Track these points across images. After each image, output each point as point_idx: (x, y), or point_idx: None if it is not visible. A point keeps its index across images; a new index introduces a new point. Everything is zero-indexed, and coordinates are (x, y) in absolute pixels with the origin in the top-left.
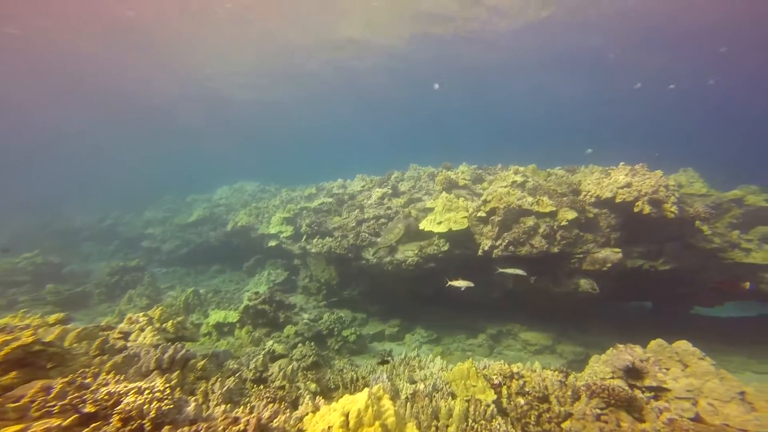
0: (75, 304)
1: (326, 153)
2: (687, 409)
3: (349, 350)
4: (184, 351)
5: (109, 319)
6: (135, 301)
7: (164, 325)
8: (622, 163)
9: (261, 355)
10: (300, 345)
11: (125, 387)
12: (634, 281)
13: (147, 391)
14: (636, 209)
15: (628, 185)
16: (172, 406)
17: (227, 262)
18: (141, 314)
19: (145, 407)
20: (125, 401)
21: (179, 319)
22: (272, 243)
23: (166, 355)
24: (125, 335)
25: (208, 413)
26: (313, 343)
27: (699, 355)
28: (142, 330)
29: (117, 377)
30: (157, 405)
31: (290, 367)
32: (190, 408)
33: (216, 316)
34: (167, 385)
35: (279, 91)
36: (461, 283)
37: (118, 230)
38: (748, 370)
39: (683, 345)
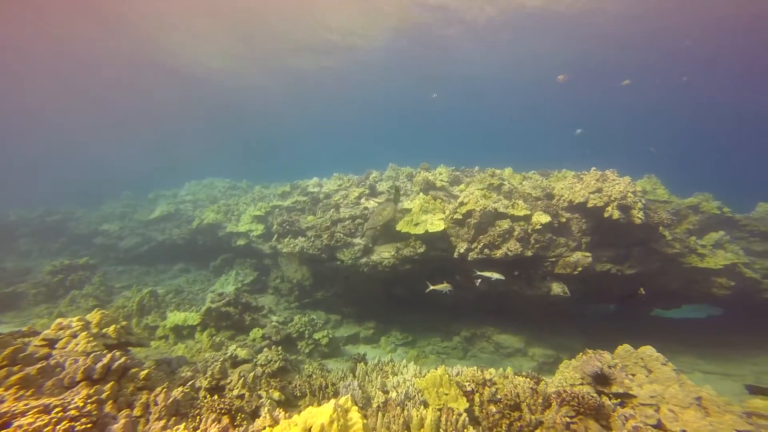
0: (2, 305)
1: (305, 151)
2: (650, 415)
3: (321, 354)
4: (123, 359)
5: (44, 321)
6: (79, 303)
7: (105, 330)
8: (593, 168)
9: (220, 361)
10: (266, 350)
11: (25, 405)
12: (602, 284)
13: (57, 409)
14: (606, 214)
15: (599, 190)
16: (89, 425)
17: (192, 261)
18: (75, 319)
19: (46, 429)
20: (19, 423)
21: (123, 323)
22: (241, 242)
23: (100, 364)
24: (51, 343)
25: (143, 430)
26: (280, 348)
27: (662, 360)
28: (74, 336)
29: (21, 393)
30: (67, 426)
31: (252, 373)
32: (118, 426)
33: (174, 318)
34: (92, 399)
35: (257, 82)
36: (442, 287)
37: (67, 226)
38: (697, 371)
39: (648, 350)
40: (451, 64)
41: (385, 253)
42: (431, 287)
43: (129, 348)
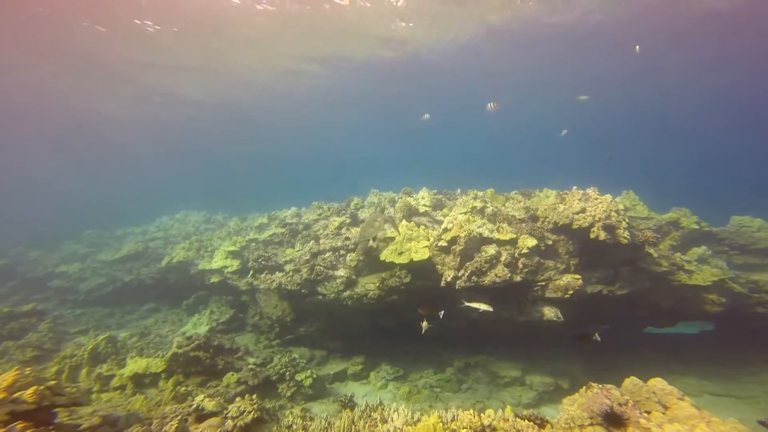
0: None
1: (286, 180)
2: None
3: (305, 396)
4: None
5: None
6: (12, 355)
7: (18, 394)
8: (575, 186)
9: (179, 418)
10: (239, 399)
11: None
12: (594, 306)
13: None
14: (592, 235)
15: (583, 210)
16: None
17: (164, 300)
18: None
19: None
20: None
21: (51, 382)
22: (215, 279)
23: None
24: None
25: None
26: (255, 396)
27: (677, 394)
28: None
29: None
30: None
31: (220, 430)
32: None
33: (134, 365)
34: None
35: (231, 111)
36: (480, 305)
37: (18, 270)
38: (705, 392)
39: (659, 384)
40: (427, 87)
41: (369, 285)
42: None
43: (57, 410)
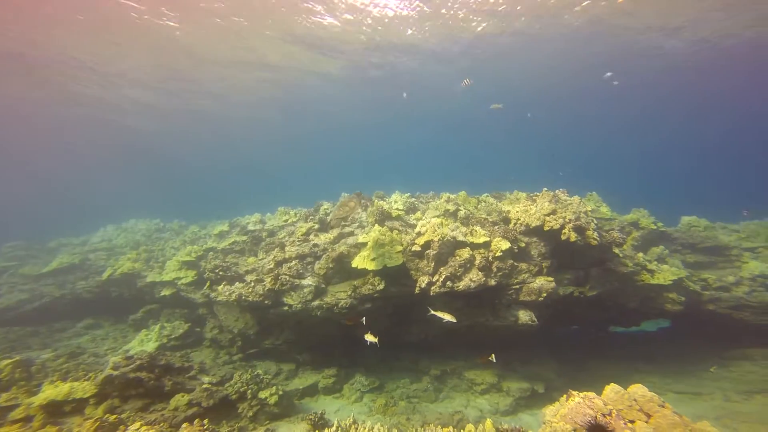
0: None
1: (253, 185)
2: None
3: (269, 415)
4: None
5: None
6: None
7: None
8: (544, 188)
9: None
10: (186, 425)
11: None
12: (566, 308)
13: None
14: (563, 237)
15: (554, 212)
16: None
17: (106, 316)
18: None
19: None
20: None
21: None
22: (167, 292)
23: None
24: None
25: None
26: (206, 421)
27: (658, 401)
28: None
29: None
30: None
31: None
32: None
33: (51, 392)
34: None
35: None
36: (444, 315)
37: None
38: (669, 391)
39: (640, 391)
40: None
41: (340, 294)
42: (432, 312)
43: None
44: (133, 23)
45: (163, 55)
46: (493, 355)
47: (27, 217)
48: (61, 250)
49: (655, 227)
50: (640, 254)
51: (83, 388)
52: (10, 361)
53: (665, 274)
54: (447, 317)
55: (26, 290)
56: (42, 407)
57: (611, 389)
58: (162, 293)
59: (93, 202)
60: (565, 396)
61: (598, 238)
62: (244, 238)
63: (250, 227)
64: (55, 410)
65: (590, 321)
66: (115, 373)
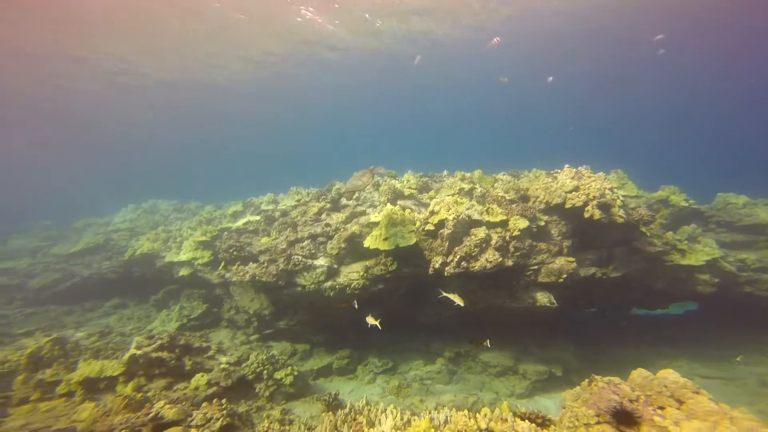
0: None
1: (272, 169)
2: None
3: (286, 395)
4: None
5: None
6: None
7: None
8: (566, 165)
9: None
10: (205, 404)
11: None
12: (587, 289)
13: None
14: (586, 214)
15: (576, 189)
16: None
17: (130, 295)
18: None
19: None
20: None
21: None
22: (184, 272)
23: None
24: None
25: None
26: (224, 400)
27: (692, 387)
28: None
29: None
30: None
31: None
32: None
33: (86, 369)
34: None
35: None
36: (455, 298)
37: None
38: (696, 375)
39: (671, 376)
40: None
41: (353, 274)
42: (444, 294)
43: None
44: None
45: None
46: (488, 340)
47: (56, 199)
48: (87, 230)
49: (686, 204)
50: (669, 233)
51: (112, 367)
52: (49, 338)
53: (697, 254)
54: (457, 300)
55: (58, 270)
56: (80, 383)
57: (638, 374)
58: (180, 273)
59: (120, 182)
60: (587, 381)
61: (624, 216)
62: (258, 218)
63: (263, 207)
64: (92, 386)
65: (614, 303)
66: (139, 352)
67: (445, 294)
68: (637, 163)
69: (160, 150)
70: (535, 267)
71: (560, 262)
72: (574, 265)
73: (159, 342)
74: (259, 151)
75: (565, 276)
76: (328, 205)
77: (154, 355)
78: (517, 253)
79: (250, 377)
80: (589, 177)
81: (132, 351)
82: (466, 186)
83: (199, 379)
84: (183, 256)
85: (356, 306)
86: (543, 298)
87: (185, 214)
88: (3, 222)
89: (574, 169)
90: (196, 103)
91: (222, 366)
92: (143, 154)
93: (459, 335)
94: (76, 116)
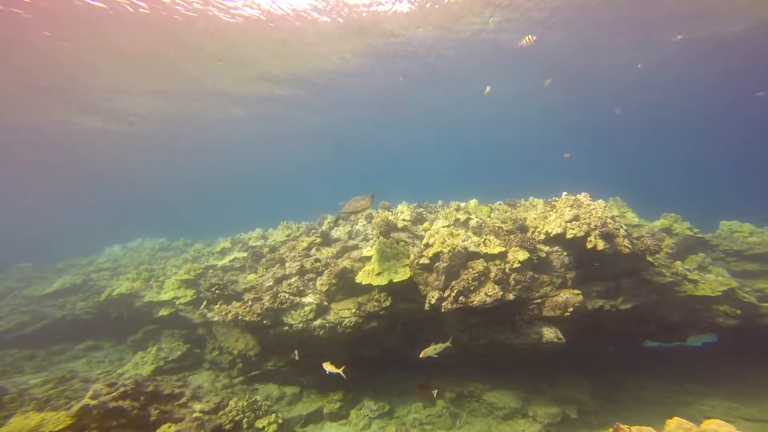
0: None
1: (271, 203)
2: None
3: None
4: None
5: None
6: None
7: None
8: (564, 192)
9: None
10: None
11: None
12: (595, 322)
13: None
14: (589, 245)
15: (576, 218)
16: None
17: (107, 336)
18: None
19: None
20: None
21: None
22: (165, 312)
23: None
24: None
25: None
26: None
27: None
28: None
29: None
30: None
31: None
32: None
33: (19, 424)
34: None
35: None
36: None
37: None
38: (738, 418)
39: (723, 429)
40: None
41: (344, 312)
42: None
43: None
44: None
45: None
46: (435, 391)
47: (41, 240)
48: (68, 271)
49: (691, 233)
50: (678, 263)
51: (57, 420)
52: None
53: (711, 284)
54: (439, 348)
55: (28, 312)
56: None
57: (677, 426)
58: (160, 313)
59: (112, 222)
60: (611, 430)
61: (630, 246)
62: (245, 254)
63: (251, 243)
64: None
65: (625, 337)
66: (93, 402)
67: (423, 354)
68: (625, 189)
69: (153, 188)
70: (539, 300)
71: (565, 295)
72: (581, 298)
73: (122, 389)
74: (257, 186)
75: (571, 309)
76: (318, 240)
77: (112, 404)
78: (519, 287)
79: (228, 427)
80: (589, 205)
81: (85, 401)
82: (462, 216)
83: (165, 431)
84: (164, 296)
85: (296, 357)
86: (549, 333)
87: (172, 252)
88: None
89: (573, 197)
90: (192, 139)
91: (195, 415)
92: (135, 192)
93: (461, 374)
94: (66, 155)
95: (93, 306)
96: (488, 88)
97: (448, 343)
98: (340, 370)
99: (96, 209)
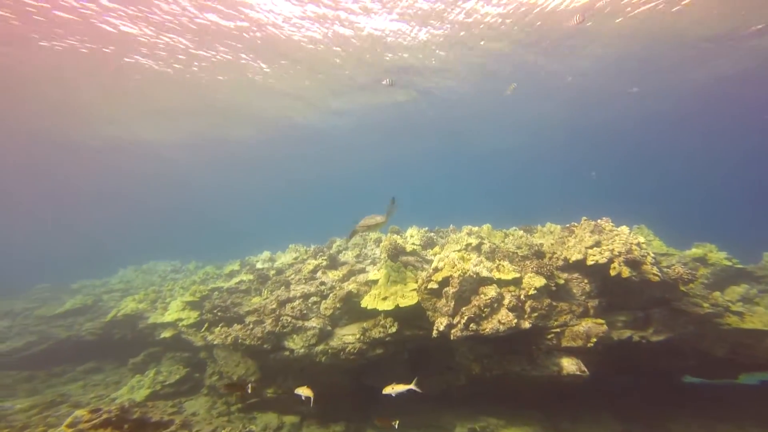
0: None
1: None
2: None
3: None
4: None
5: None
6: None
7: None
8: (584, 217)
9: None
10: None
11: None
12: (623, 354)
13: None
14: (613, 272)
15: (598, 244)
16: None
17: (110, 358)
18: None
19: None
20: None
21: None
22: (167, 334)
23: None
24: None
25: None
26: None
27: None
28: None
29: None
30: None
31: None
32: None
33: None
34: None
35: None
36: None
37: None
38: None
39: None
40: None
41: (348, 337)
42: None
43: None
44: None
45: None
46: (397, 421)
47: (66, 259)
48: (82, 291)
49: (729, 263)
50: (717, 293)
51: None
52: None
53: (762, 317)
54: (398, 389)
55: (36, 332)
56: None
57: None
58: (162, 335)
59: (135, 243)
60: None
61: (659, 274)
62: (251, 277)
63: (259, 265)
64: None
65: (660, 371)
66: (70, 431)
67: (392, 386)
68: (648, 218)
69: (175, 210)
70: (558, 330)
71: (587, 324)
72: (605, 327)
73: (104, 416)
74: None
75: (594, 340)
76: (325, 263)
77: None
78: (535, 314)
79: None
80: (612, 231)
81: (61, 429)
82: (474, 241)
83: None
84: (168, 317)
85: (249, 390)
86: (570, 366)
87: (182, 274)
88: (9, 283)
89: (593, 222)
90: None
91: None
92: (161, 214)
93: (474, 407)
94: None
95: (98, 327)
96: (513, 85)
97: (411, 385)
98: (311, 395)
99: (120, 232)
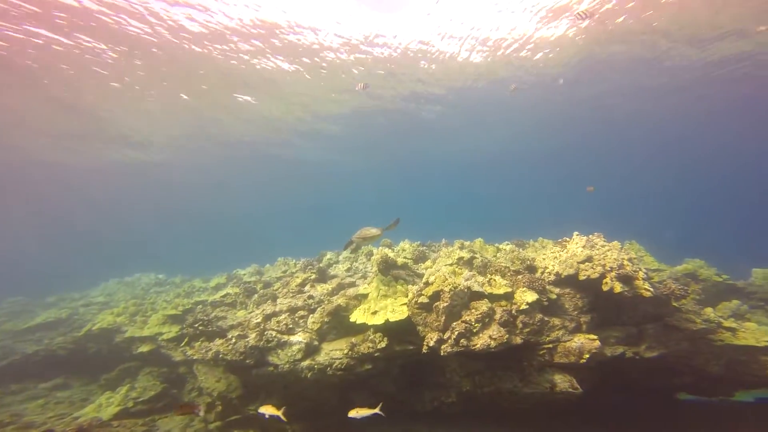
0: None
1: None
2: None
3: None
4: None
5: None
6: None
7: None
8: (576, 232)
9: None
10: None
11: None
12: (616, 371)
13: None
14: (605, 287)
15: (590, 259)
16: None
17: (82, 373)
18: None
19: None
20: None
21: None
22: (144, 348)
23: None
24: None
25: None
26: None
27: None
28: None
29: None
30: None
31: None
32: None
33: None
34: None
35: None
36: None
37: None
38: None
39: None
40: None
41: (335, 352)
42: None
43: None
44: None
45: None
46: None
47: (45, 274)
48: (58, 305)
49: (719, 279)
50: (709, 309)
51: None
52: None
53: (754, 333)
54: (362, 413)
55: (1, 346)
56: None
57: None
58: (140, 350)
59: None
60: None
61: (651, 289)
62: (237, 290)
63: (246, 279)
64: None
65: (654, 388)
66: None
67: (356, 410)
68: (638, 234)
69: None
70: (550, 345)
71: (580, 339)
72: (598, 343)
73: None
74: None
75: (587, 356)
76: (314, 276)
77: None
78: (527, 330)
79: None
80: (603, 246)
81: None
82: (466, 255)
83: None
84: (146, 331)
85: (200, 413)
86: (563, 383)
87: (167, 287)
88: None
89: (585, 237)
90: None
91: None
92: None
93: (466, 425)
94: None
95: (71, 341)
96: (513, 86)
97: (376, 410)
98: (279, 413)
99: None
